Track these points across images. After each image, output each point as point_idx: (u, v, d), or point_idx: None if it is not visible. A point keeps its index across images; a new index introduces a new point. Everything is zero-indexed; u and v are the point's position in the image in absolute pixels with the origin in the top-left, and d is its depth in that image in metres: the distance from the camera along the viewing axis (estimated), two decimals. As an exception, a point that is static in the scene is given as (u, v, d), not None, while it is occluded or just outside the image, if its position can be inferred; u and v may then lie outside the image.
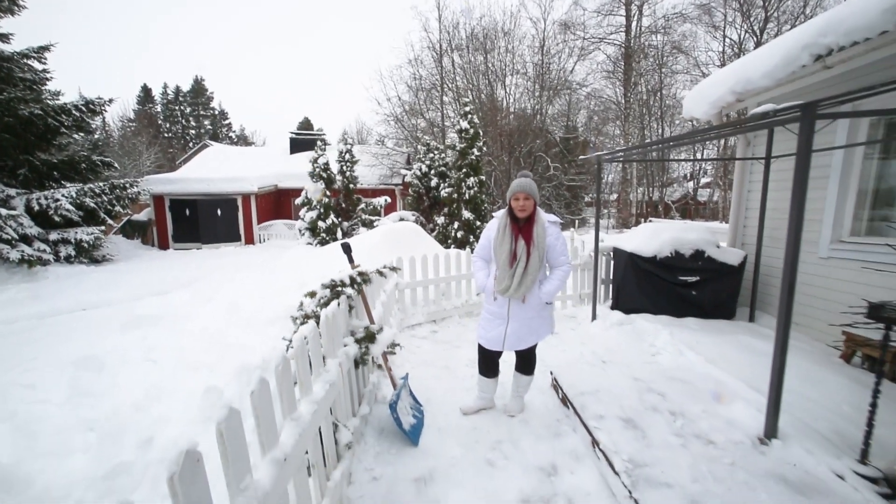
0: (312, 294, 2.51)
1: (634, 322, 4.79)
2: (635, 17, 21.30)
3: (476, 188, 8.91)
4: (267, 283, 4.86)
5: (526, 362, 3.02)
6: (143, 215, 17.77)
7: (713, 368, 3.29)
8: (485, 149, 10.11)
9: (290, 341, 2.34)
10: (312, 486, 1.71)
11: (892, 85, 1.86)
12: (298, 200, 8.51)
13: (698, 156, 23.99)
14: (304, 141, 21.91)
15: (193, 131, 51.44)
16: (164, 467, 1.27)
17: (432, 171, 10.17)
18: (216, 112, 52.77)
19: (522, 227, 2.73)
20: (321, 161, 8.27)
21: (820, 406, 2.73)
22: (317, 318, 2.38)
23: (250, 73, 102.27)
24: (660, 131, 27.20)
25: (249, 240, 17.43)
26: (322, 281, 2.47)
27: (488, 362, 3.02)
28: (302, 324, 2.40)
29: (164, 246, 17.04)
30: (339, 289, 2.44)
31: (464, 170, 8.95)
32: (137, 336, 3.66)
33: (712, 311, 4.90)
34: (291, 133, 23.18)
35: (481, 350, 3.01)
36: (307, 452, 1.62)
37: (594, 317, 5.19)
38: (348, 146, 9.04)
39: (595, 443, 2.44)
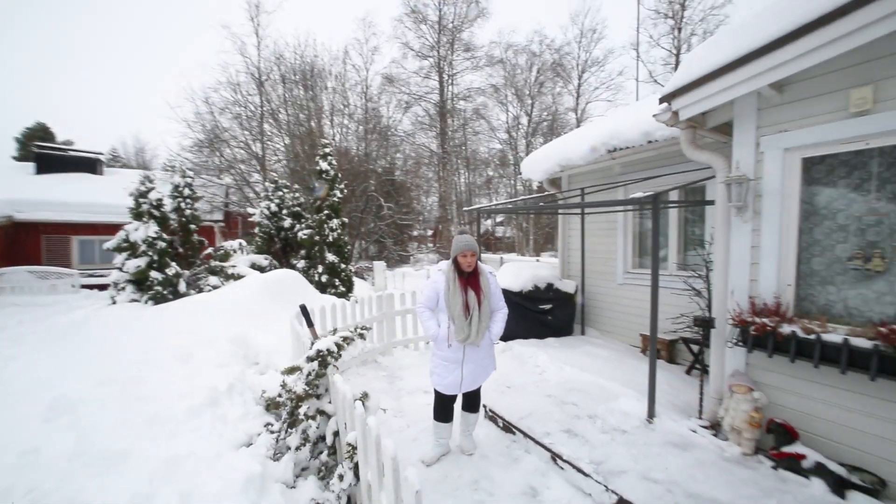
0: (291, 370, 2.18)
1: (513, 348, 5.69)
2: (448, 84, 25.30)
3: (339, 230, 8.67)
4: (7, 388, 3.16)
5: (474, 401, 3.31)
6: None
7: (591, 375, 4.36)
8: (346, 191, 9.99)
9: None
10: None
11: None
12: (110, 244, 6.14)
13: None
14: (61, 159, 16.07)
15: None
16: None
17: (284, 211, 9.31)
18: None
19: (469, 279, 3.10)
20: (152, 196, 6.26)
21: (658, 390, 4.03)
22: (299, 398, 2.10)
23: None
24: (467, 176, 32.35)
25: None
26: (308, 354, 2.18)
27: (446, 407, 3.18)
28: (296, 407, 2.06)
29: None
30: (327, 358, 2.23)
31: (325, 212, 8.60)
32: None
33: (561, 330, 6.32)
34: (37, 146, 16.67)
35: (439, 397, 3.15)
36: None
37: (482, 347, 5.88)
38: (188, 179, 7.25)
39: (556, 457, 2.94)
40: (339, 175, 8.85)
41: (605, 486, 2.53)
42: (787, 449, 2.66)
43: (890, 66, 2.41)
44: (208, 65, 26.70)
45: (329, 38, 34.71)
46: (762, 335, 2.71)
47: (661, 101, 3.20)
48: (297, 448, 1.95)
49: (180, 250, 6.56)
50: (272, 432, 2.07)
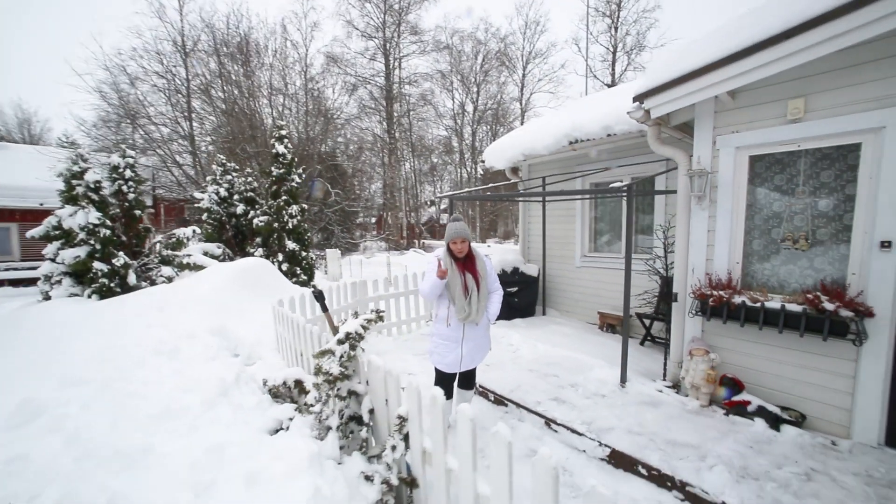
0: (323, 353, 2.19)
1: (484, 328, 5.98)
2: (395, 68, 24.75)
3: (298, 217, 8.26)
4: None
5: (470, 379, 3.52)
6: None
7: (562, 350, 4.78)
8: (304, 175, 9.46)
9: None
10: None
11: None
12: (36, 231, 5.11)
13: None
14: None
15: None
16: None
17: (235, 196, 8.60)
18: None
19: (466, 263, 3.28)
20: (89, 177, 5.30)
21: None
22: (336, 378, 2.14)
23: None
24: (413, 162, 32.15)
25: None
26: (338, 337, 2.20)
27: (446, 385, 3.35)
28: (328, 389, 2.10)
29: None
30: (355, 341, 2.27)
31: (283, 197, 8.12)
32: None
33: (526, 311, 6.75)
34: None
35: (440, 375, 3.31)
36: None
37: (455, 330, 6.10)
38: (128, 159, 6.22)
39: (550, 422, 3.26)
40: (297, 159, 8.43)
41: (599, 442, 2.89)
42: (735, 398, 3.21)
43: (817, 82, 2.94)
44: (118, 27, 23.26)
45: (263, 9, 31.98)
46: (718, 305, 3.21)
47: (635, 99, 3.56)
48: (338, 428, 2.00)
49: (123, 239, 5.82)
50: (311, 413, 2.08)
